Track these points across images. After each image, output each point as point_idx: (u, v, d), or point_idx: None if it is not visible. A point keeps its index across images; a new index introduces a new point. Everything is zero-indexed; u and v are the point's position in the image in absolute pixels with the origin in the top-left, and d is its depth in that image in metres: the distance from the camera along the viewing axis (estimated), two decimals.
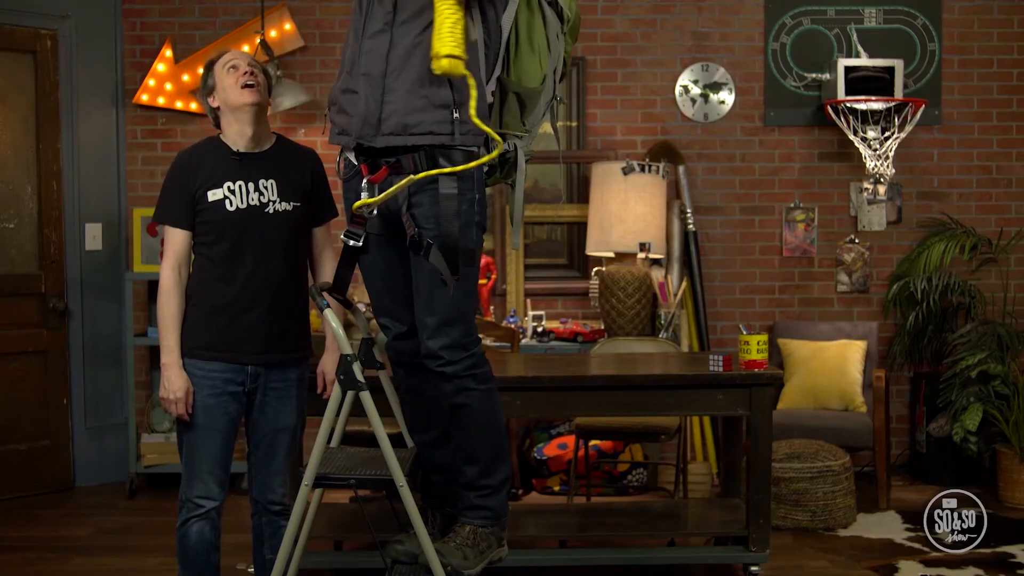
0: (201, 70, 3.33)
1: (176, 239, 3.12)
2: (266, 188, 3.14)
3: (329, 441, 2.86)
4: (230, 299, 3.10)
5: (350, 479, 2.78)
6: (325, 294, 2.88)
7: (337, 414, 2.82)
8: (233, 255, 3.10)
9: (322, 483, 2.81)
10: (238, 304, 3.10)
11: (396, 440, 2.87)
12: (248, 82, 3.12)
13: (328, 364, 3.28)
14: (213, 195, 3.09)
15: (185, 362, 3.10)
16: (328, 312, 2.82)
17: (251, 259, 3.11)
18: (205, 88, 3.20)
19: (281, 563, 2.88)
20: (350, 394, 2.78)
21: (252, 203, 3.11)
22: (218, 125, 3.21)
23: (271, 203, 3.13)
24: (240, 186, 3.11)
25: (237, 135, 3.16)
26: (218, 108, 3.18)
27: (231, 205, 3.09)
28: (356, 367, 2.77)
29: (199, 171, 3.11)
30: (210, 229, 3.10)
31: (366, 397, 2.78)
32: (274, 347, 3.15)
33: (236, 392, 3.12)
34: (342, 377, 2.77)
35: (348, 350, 2.76)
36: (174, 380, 3.07)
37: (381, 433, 2.75)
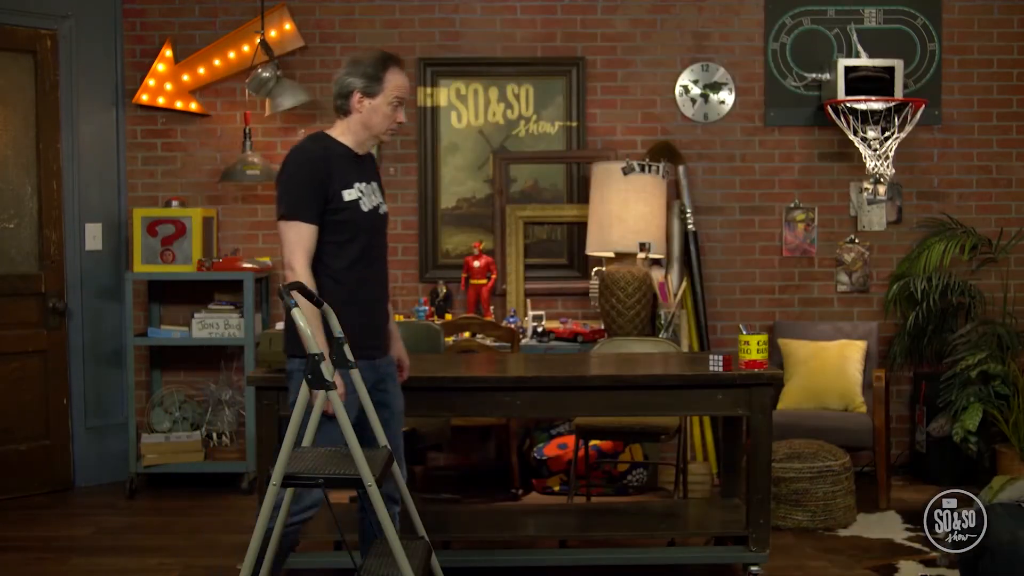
0: (346, 66, 3.22)
1: (308, 235, 3.13)
2: (375, 191, 3.26)
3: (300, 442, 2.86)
4: (367, 298, 3.20)
5: (318, 478, 2.78)
6: (294, 292, 2.86)
7: (306, 414, 2.82)
8: (365, 255, 3.20)
9: (290, 482, 2.79)
10: (372, 303, 3.22)
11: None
12: (400, 121, 3.24)
13: (402, 351, 3.42)
14: (348, 195, 3.15)
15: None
16: (296, 311, 2.79)
17: (378, 258, 3.26)
18: (366, 85, 3.17)
19: (249, 564, 2.84)
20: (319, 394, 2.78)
21: (373, 204, 3.23)
22: (341, 114, 3.22)
23: (380, 204, 3.27)
24: (363, 187, 3.20)
25: (358, 144, 3.24)
26: (359, 107, 3.18)
27: (364, 206, 3.18)
28: (324, 366, 2.76)
29: (333, 170, 3.15)
30: (345, 228, 3.15)
31: (335, 396, 2.78)
32: (386, 340, 3.32)
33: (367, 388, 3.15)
34: (310, 376, 2.76)
35: (315, 349, 2.75)
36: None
37: (349, 432, 2.74)
